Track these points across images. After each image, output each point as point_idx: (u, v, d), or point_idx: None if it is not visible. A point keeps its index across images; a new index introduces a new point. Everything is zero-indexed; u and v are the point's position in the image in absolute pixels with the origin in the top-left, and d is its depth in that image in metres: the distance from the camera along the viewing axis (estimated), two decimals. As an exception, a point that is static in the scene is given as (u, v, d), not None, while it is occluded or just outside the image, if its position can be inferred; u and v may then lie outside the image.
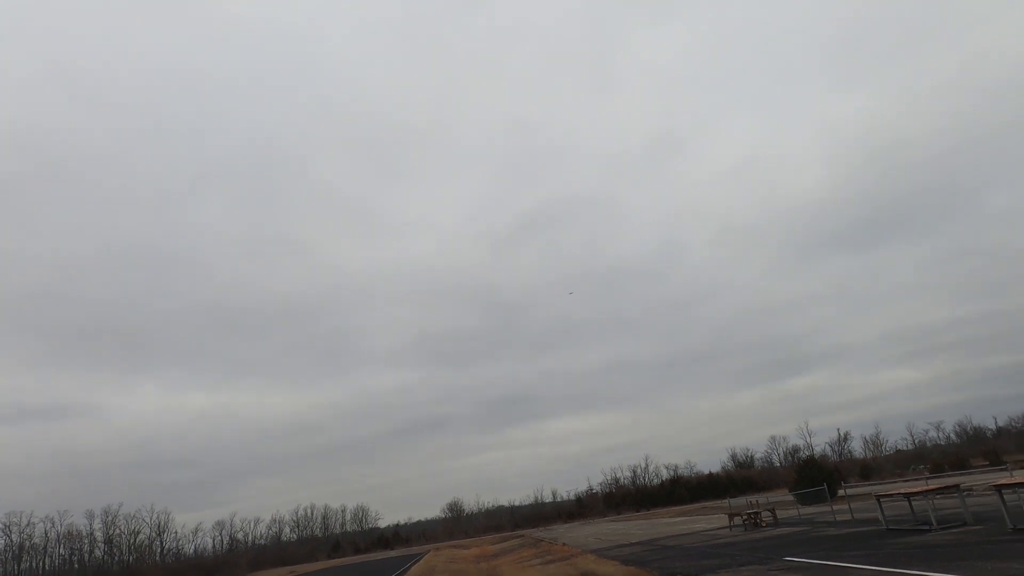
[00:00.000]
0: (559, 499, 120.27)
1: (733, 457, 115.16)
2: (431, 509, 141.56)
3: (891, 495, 17.69)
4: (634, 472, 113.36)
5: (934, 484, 20.48)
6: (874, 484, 42.72)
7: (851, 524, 18.91)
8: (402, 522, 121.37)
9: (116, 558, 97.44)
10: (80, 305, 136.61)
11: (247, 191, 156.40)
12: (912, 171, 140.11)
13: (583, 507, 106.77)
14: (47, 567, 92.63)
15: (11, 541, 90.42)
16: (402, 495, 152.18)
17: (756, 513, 25.58)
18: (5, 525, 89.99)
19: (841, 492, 35.51)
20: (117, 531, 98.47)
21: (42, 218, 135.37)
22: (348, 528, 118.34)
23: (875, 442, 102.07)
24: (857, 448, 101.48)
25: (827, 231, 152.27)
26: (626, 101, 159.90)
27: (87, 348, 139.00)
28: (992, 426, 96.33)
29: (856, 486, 43.90)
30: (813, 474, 39.15)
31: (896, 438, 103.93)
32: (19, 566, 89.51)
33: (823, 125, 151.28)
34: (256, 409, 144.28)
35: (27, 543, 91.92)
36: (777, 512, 26.98)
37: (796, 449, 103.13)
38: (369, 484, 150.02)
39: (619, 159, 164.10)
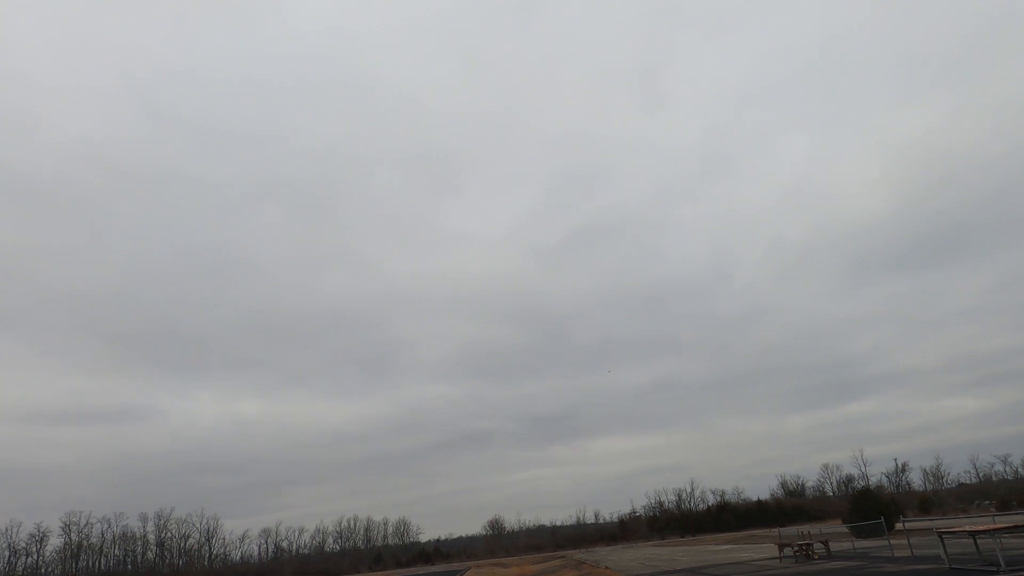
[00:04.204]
0: (602, 520, 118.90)
1: (783, 484, 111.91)
2: (472, 525, 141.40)
3: (954, 531, 16.90)
4: (679, 496, 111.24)
5: (1002, 522, 19.47)
6: (935, 519, 40.68)
7: (910, 561, 18.08)
8: (443, 537, 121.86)
9: (167, 561, 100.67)
10: (144, 311, 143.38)
11: (306, 202, 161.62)
12: (975, 191, 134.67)
13: (626, 530, 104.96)
14: (103, 567, 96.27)
15: (70, 540, 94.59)
16: (443, 509, 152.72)
17: (808, 544, 24.74)
18: (65, 524, 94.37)
19: (899, 526, 34.03)
20: (168, 534, 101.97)
21: (113, 227, 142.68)
22: (390, 541, 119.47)
23: (936, 474, 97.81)
24: (916, 480, 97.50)
25: (884, 251, 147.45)
26: (677, 117, 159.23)
27: (149, 353, 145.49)
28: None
29: (915, 520, 41.88)
30: (869, 506, 37.56)
31: (959, 470, 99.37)
32: (76, 564, 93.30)
33: (882, 144, 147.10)
34: (304, 418, 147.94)
35: (84, 543, 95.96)
36: (830, 544, 26.04)
37: (850, 478, 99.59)
38: (410, 496, 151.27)
39: (669, 175, 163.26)
